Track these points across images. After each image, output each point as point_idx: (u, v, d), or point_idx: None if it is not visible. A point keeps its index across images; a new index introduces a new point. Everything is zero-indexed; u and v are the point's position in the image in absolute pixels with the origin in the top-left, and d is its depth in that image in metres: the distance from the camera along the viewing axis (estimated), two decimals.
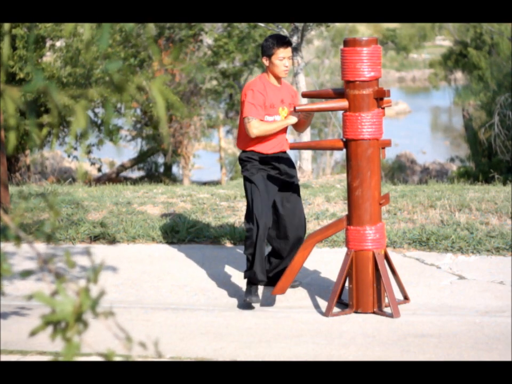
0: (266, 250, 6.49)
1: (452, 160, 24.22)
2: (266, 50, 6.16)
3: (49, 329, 1.80)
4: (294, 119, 6.14)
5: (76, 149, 18.51)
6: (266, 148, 6.23)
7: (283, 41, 6.15)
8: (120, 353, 1.92)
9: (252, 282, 6.19)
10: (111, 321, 1.81)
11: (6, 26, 1.90)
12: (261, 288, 6.51)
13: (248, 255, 6.17)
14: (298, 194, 6.36)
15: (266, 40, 6.22)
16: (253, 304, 6.21)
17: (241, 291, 6.57)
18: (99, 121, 19.40)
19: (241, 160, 6.31)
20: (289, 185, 6.32)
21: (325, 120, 28.52)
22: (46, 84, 1.81)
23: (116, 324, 1.85)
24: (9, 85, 1.77)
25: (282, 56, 6.13)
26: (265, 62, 6.19)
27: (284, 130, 6.29)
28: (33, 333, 1.82)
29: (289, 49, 6.16)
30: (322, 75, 31.35)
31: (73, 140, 18.19)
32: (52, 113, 1.81)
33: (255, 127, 6.08)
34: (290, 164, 6.36)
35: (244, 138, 6.27)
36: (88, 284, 1.82)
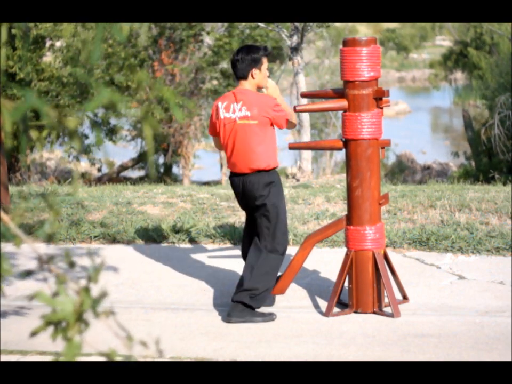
0: None
1: (456, 154, 24.18)
2: (257, 62, 5.89)
3: (50, 329, 1.81)
4: None
5: (75, 149, 18.49)
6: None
7: (268, 51, 5.98)
8: (121, 352, 1.92)
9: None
10: (112, 320, 1.81)
11: (3, 36, 1.91)
12: None
13: (266, 282, 6.01)
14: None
15: (253, 52, 5.90)
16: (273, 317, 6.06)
17: None
18: (99, 121, 19.39)
19: (275, 179, 5.95)
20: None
21: (325, 120, 28.52)
22: (37, 103, 1.81)
23: (116, 322, 1.85)
24: (7, 84, 1.78)
25: (267, 65, 6.00)
26: (255, 74, 5.91)
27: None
28: (34, 333, 1.82)
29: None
30: (322, 75, 31.34)
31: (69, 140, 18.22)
32: (47, 126, 1.82)
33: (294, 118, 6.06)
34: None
35: (270, 156, 5.92)
36: (88, 283, 1.82)
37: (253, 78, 5.92)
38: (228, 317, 5.91)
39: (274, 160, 5.95)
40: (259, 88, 6.02)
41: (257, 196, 5.90)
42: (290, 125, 6.02)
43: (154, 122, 1.86)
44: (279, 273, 6.43)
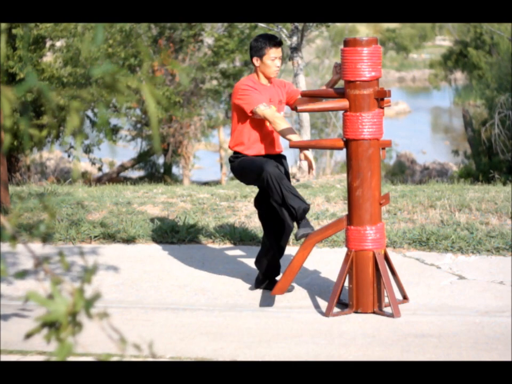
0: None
1: (456, 153, 24.18)
2: (257, 50, 6.10)
3: (45, 330, 1.80)
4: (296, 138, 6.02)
5: (75, 148, 18.51)
6: (264, 149, 6.19)
7: (275, 41, 6.10)
8: (116, 354, 1.92)
9: (305, 213, 6.00)
10: (105, 322, 1.81)
11: (2, 25, 1.90)
12: (259, 289, 6.51)
13: (285, 198, 5.95)
14: None
15: (256, 40, 6.14)
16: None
17: (241, 291, 6.57)
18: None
19: (237, 157, 6.21)
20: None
21: (326, 120, 28.52)
22: (39, 84, 1.80)
23: (109, 325, 1.84)
24: (7, 86, 1.77)
25: (274, 56, 6.09)
26: (256, 62, 6.13)
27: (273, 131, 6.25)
28: (28, 335, 1.81)
29: (280, 49, 6.12)
30: (322, 75, 31.33)
31: (69, 139, 18.22)
32: (48, 114, 1.81)
33: (276, 118, 5.96)
34: (286, 164, 6.32)
35: (240, 140, 6.20)
36: (82, 284, 1.81)
37: (255, 65, 6.16)
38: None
39: (239, 144, 6.19)
40: (266, 78, 6.18)
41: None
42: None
43: (157, 92, 1.85)
44: (280, 274, 6.44)
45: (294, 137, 5.94)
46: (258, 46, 6.09)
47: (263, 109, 5.99)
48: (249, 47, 6.22)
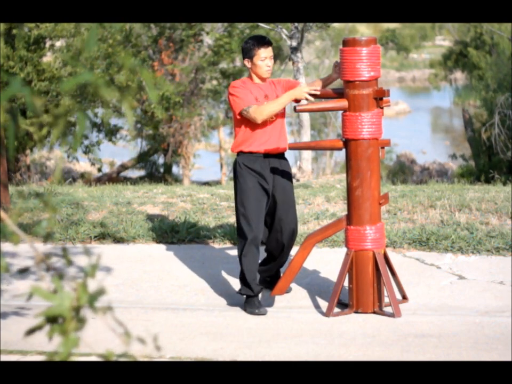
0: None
1: (454, 157, 24.18)
2: (247, 52, 6.10)
3: (47, 328, 1.80)
4: (301, 91, 5.99)
5: (75, 149, 18.49)
6: (262, 147, 6.15)
7: (263, 41, 6.10)
8: (119, 353, 1.92)
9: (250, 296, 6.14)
10: (109, 316, 1.81)
11: (2, 27, 1.90)
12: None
13: (241, 269, 6.12)
14: (292, 194, 6.26)
15: (246, 42, 6.15)
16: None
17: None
18: (99, 121, 19.42)
19: (236, 165, 6.19)
20: (284, 187, 6.22)
21: (325, 120, 28.53)
22: (22, 90, 1.80)
23: (114, 319, 1.84)
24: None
25: (264, 56, 6.08)
26: (248, 64, 6.13)
27: (280, 130, 6.21)
28: (30, 331, 1.81)
29: (270, 49, 6.10)
30: (322, 75, 31.34)
31: (56, 145, 18.24)
32: (33, 118, 1.82)
33: (258, 112, 5.95)
34: (286, 166, 6.26)
35: (237, 140, 6.19)
36: (85, 279, 1.81)
37: (247, 67, 6.19)
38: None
39: (240, 144, 6.17)
40: (260, 78, 6.16)
41: None
42: (258, 116, 6.00)
43: (132, 102, 1.86)
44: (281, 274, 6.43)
45: (276, 103, 5.99)
46: (248, 48, 6.10)
47: (246, 114, 6.00)
48: (241, 50, 6.24)
